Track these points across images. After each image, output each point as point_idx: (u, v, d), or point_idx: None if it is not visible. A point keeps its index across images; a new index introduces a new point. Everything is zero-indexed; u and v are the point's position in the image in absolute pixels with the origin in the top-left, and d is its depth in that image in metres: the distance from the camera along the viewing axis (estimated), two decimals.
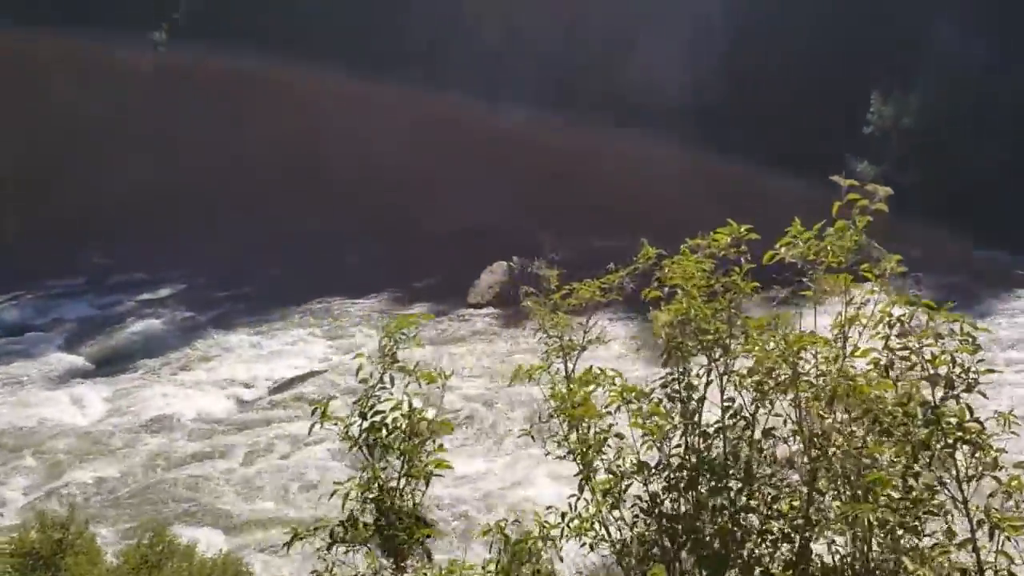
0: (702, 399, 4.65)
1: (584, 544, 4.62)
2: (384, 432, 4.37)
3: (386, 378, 4.48)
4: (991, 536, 3.75)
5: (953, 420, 3.88)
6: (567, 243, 34.46)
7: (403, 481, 4.36)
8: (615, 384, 4.84)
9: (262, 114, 39.48)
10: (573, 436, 4.77)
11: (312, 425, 4.49)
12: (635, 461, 4.59)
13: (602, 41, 37.68)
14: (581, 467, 4.70)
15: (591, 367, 5.09)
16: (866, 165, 30.75)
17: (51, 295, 33.64)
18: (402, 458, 4.35)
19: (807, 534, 4.22)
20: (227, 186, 37.60)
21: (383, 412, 4.42)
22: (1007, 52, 31.07)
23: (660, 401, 4.66)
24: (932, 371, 3.99)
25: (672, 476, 4.52)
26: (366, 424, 4.40)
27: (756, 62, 34.40)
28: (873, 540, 3.98)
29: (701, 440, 4.55)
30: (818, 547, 4.27)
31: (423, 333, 26.66)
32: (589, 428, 4.76)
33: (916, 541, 3.89)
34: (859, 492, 3.94)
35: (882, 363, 4.18)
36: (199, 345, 27.74)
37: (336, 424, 4.44)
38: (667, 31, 35.86)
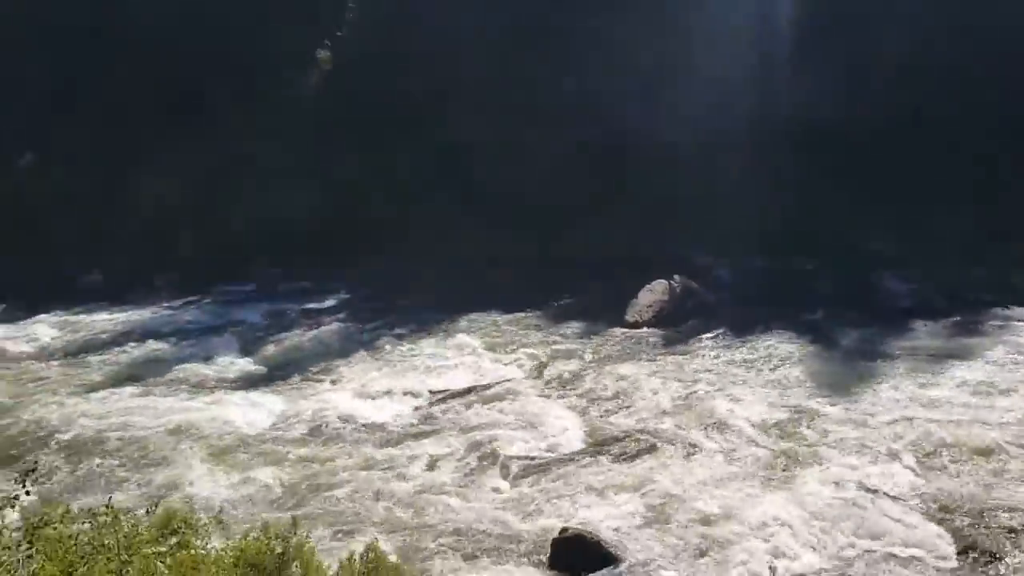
0: None
1: None
2: None
3: None
4: None
5: None
6: (726, 264, 33.85)
7: None
8: None
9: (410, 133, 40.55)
10: None
11: None
12: None
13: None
14: None
15: None
16: None
17: (224, 301, 35.57)
18: None
19: None
20: (382, 204, 38.84)
21: None
22: None
23: None
24: None
25: None
26: None
27: None
28: None
29: None
30: None
31: (578, 351, 26.45)
32: None
33: None
34: None
35: None
36: (364, 354, 28.60)
37: None
38: None
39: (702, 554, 17.09)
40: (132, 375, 26.70)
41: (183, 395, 25.29)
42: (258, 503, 18.10)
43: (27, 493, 8.64)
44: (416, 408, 24.25)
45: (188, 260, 37.75)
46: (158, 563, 8.73)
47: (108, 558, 8.48)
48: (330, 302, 34.61)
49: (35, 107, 43.27)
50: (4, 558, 8.40)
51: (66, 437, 21.49)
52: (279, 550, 9.44)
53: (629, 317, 28.92)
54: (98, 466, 19.90)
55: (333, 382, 26.33)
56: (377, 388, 25.52)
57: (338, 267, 36.65)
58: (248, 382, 26.66)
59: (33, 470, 8.73)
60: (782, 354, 26.39)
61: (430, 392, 25.25)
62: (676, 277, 30.00)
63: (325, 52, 46.40)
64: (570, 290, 31.82)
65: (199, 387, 26.16)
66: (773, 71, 35.77)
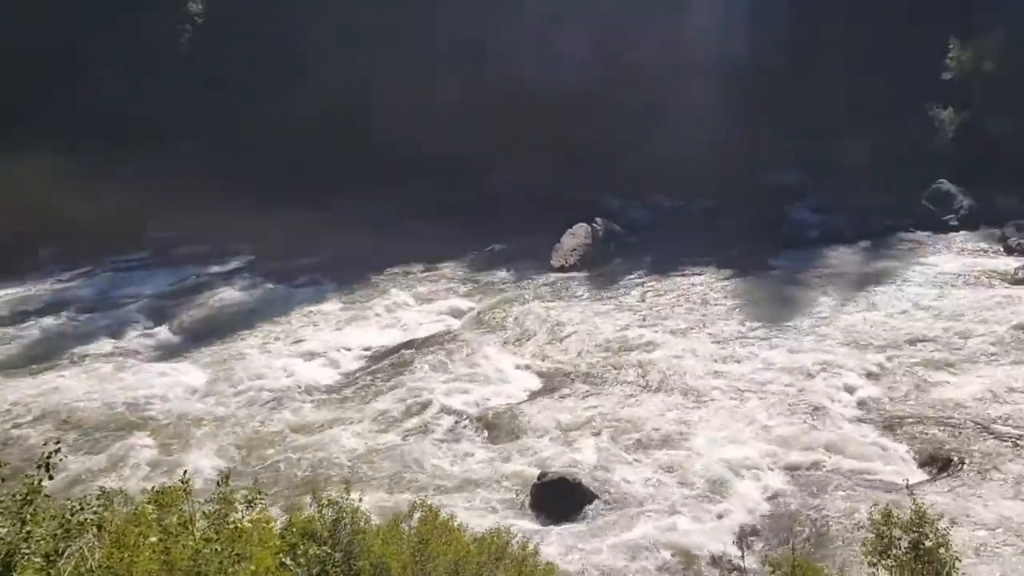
0: None
1: None
2: None
3: None
4: None
5: None
6: (638, 206, 34.30)
7: None
8: None
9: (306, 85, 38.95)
10: None
11: None
12: None
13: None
14: None
15: None
16: (950, 112, 30.36)
17: (120, 269, 33.44)
18: None
19: None
20: (274, 165, 37.11)
21: None
22: None
23: None
24: None
25: None
26: None
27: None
28: None
29: None
30: None
31: (511, 298, 26.24)
32: None
33: None
34: None
35: None
36: (282, 314, 27.55)
37: None
38: None
39: (670, 479, 17.49)
40: (41, 354, 24.90)
41: (100, 371, 23.77)
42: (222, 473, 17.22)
43: (50, 478, 7.91)
44: (354, 367, 23.63)
45: (72, 229, 35.00)
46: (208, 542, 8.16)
47: (162, 537, 7.91)
48: (235, 264, 33.08)
49: None
50: (44, 547, 7.69)
51: None
52: (332, 517, 9.06)
53: (555, 262, 29.02)
54: (47, 446, 18.44)
55: (260, 346, 25.26)
56: (309, 349, 24.70)
57: (236, 229, 34.81)
58: (168, 353, 25.32)
59: (57, 451, 7.90)
60: (705, 289, 27.10)
61: (365, 349, 24.66)
62: (597, 220, 30.25)
63: (197, 5, 44.08)
64: (491, 238, 31.54)
65: (115, 361, 24.60)
66: (673, 12, 35.99)
